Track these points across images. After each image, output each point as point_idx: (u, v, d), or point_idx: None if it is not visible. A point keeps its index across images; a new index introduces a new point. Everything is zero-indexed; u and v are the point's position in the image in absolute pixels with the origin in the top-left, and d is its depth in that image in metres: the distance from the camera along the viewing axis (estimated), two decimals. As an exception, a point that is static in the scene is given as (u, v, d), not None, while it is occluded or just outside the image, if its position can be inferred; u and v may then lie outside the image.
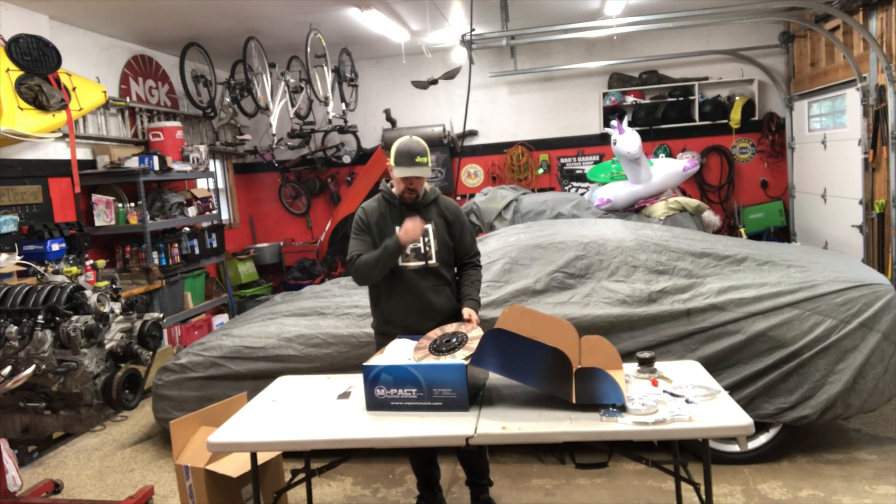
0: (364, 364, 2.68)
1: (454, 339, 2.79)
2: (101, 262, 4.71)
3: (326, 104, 7.06)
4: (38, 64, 4.66)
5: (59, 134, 5.21)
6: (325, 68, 7.00)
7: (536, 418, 2.47)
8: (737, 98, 7.85)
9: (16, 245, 4.78)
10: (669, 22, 6.55)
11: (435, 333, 2.92)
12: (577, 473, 3.65)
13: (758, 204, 7.99)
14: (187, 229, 6.52)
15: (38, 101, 4.63)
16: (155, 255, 5.89)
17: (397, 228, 2.99)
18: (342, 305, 4.34)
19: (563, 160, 8.39)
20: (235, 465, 3.21)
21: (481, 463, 3.29)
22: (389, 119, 7.86)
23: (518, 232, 4.46)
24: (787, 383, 3.51)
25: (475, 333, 2.81)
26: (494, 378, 2.86)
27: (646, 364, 2.81)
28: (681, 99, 7.91)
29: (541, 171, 8.37)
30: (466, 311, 3.07)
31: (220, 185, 8.29)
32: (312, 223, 8.96)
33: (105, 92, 5.50)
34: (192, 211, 6.47)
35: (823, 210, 6.77)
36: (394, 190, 3.14)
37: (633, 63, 7.99)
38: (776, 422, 3.56)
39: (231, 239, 8.19)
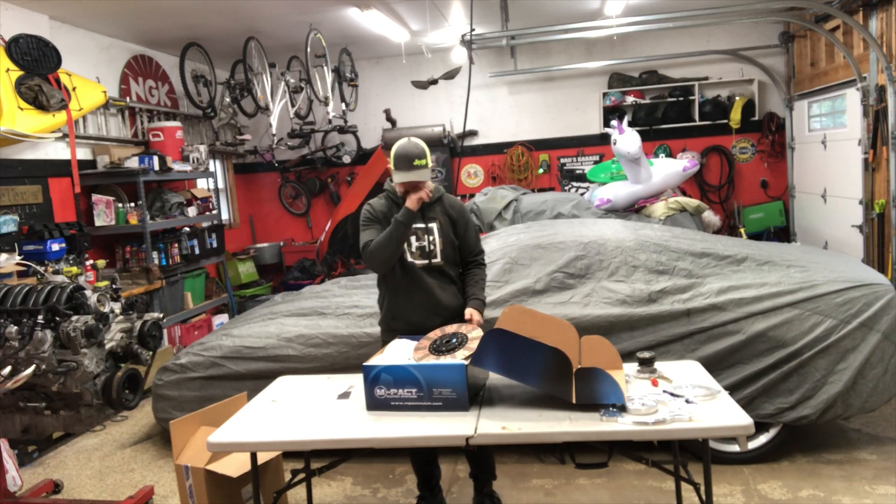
0: (364, 364, 2.68)
1: (454, 339, 2.79)
2: (101, 262, 4.71)
3: (326, 104, 7.07)
4: (38, 64, 4.66)
5: (59, 134, 5.21)
6: (325, 68, 7.01)
7: (536, 418, 2.47)
8: (737, 98, 7.85)
9: (16, 245, 4.78)
10: (669, 22, 6.55)
11: (435, 334, 2.92)
12: (577, 473, 3.65)
13: (758, 204, 7.99)
14: (187, 229, 6.52)
15: (38, 101, 4.63)
16: (155, 255, 5.89)
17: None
18: (342, 305, 4.34)
19: (563, 160, 8.39)
20: (235, 465, 3.21)
21: (487, 458, 3.29)
22: (389, 119, 7.86)
23: (518, 232, 4.46)
24: (787, 383, 3.51)
25: (475, 334, 2.81)
26: (494, 378, 2.86)
27: (646, 364, 2.81)
28: (681, 99, 7.91)
29: (541, 171, 8.37)
30: (468, 312, 3.08)
31: (220, 185, 8.29)
32: (312, 223, 8.96)
33: (105, 92, 5.50)
34: (192, 211, 6.47)
35: (823, 210, 6.77)
36: (398, 190, 3.13)
37: (633, 63, 7.99)
38: (776, 422, 3.56)
39: (231, 239, 8.19)
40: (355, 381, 2.94)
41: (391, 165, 3.05)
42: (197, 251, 6.54)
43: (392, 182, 3.15)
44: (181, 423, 3.33)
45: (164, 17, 5.85)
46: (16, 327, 2.86)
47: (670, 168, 6.30)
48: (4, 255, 4.42)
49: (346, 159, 8.28)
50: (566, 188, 8.31)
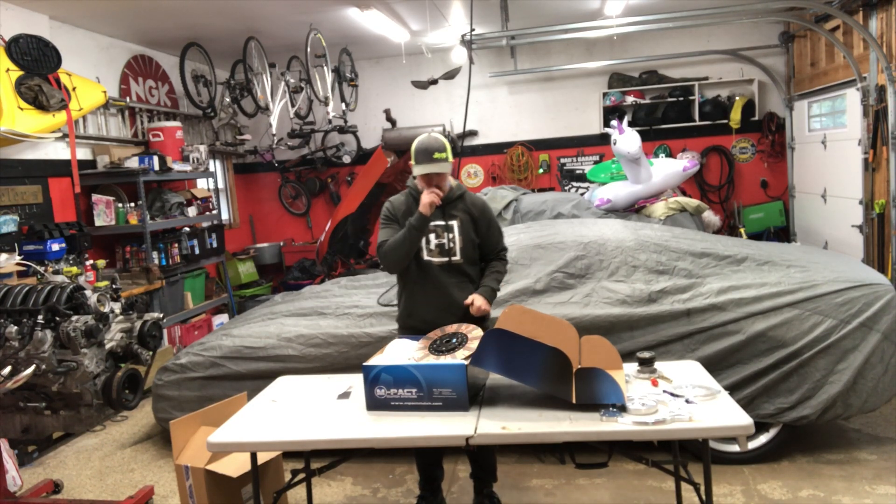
0: (364, 364, 2.68)
1: (454, 339, 2.80)
2: (101, 262, 4.70)
3: (326, 104, 7.06)
4: (38, 64, 4.66)
5: (59, 134, 5.20)
6: (325, 68, 7.00)
7: (536, 418, 2.47)
8: (737, 98, 7.85)
9: (16, 245, 4.78)
10: (669, 22, 6.55)
11: (435, 333, 2.92)
12: (577, 473, 3.65)
13: (758, 204, 7.99)
14: (187, 229, 6.52)
15: (38, 101, 4.63)
16: (155, 255, 5.89)
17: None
18: (342, 305, 4.34)
19: (563, 160, 8.39)
20: (235, 465, 3.21)
21: (489, 459, 3.29)
22: (389, 119, 7.85)
23: (518, 232, 4.46)
24: (787, 383, 3.51)
25: (475, 333, 2.82)
26: (494, 378, 2.86)
27: (646, 364, 2.81)
28: (681, 99, 7.91)
29: (541, 171, 8.37)
30: (471, 297, 3.02)
31: (220, 185, 8.29)
32: (312, 223, 8.96)
33: (105, 92, 5.50)
34: (192, 211, 6.47)
35: (823, 210, 6.77)
36: (420, 187, 3.12)
37: (633, 63, 7.99)
38: (776, 422, 3.56)
39: (231, 239, 8.19)
40: (355, 381, 2.94)
41: (412, 161, 3.04)
42: (197, 251, 6.54)
43: (413, 178, 3.14)
44: (181, 423, 3.33)
45: (164, 17, 5.85)
46: (16, 327, 2.86)
47: (670, 168, 6.29)
48: (4, 255, 4.42)
49: (346, 159, 8.28)
50: (566, 188, 8.31)
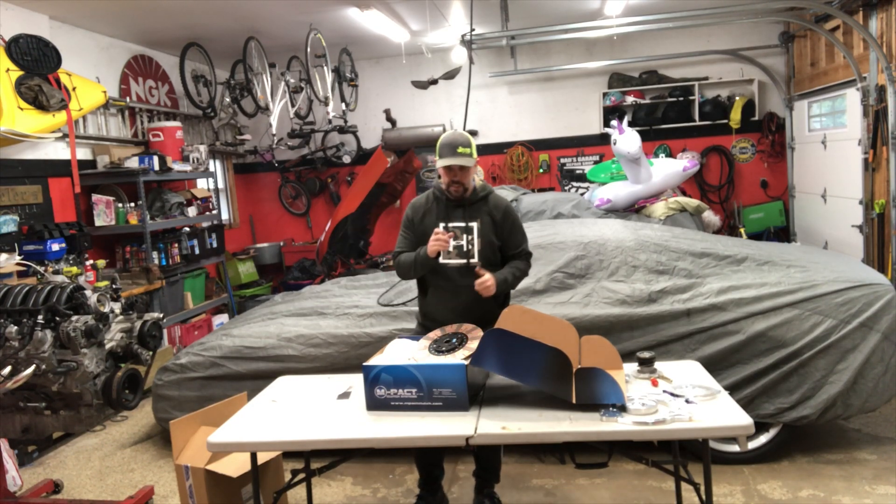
0: (364, 364, 2.68)
1: (454, 339, 2.80)
2: (101, 262, 4.70)
3: (326, 104, 7.06)
4: (38, 64, 4.66)
5: (59, 134, 5.21)
6: (325, 68, 7.00)
7: (536, 418, 2.47)
8: (737, 98, 7.85)
9: (16, 245, 4.78)
10: (669, 22, 6.55)
11: (435, 333, 2.92)
12: (577, 473, 3.65)
13: (758, 204, 7.99)
14: (187, 229, 6.52)
15: (38, 101, 4.63)
16: (155, 255, 5.89)
17: (441, 225, 2.99)
18: (342, 305, 4.35)
19: (563, 160, 8.39)
20: (235, 465, 3.21)
21: (493, 459, 3.28)
22: (389, 119, 7.85)
23: (518, 232, 4.46)
24: (787, 383, 3.51)
25: (475, 333, 2.82)
26: (494, 378, 2.86)
27: (646, 364, 2.81)
28: (681, 99, 7.91)
29: (541, 171, 8.37)
30: (483, 270, 2.96)
31: (220, 185, 8.29)
32: (312, 223, 8.96)
33: (105, 92, 5.50)
34: (192, 211, 6.47)
35: (823, 210, 6.77)
36: (443, 186, 3.11)
37: (633, 63, 7.99)
38: (776, 422, 3.56)
39: (231, 239, 8.19)
40: (355, 381, 2.94)
41: (436, 156, 3.04)
42: (197, 251, 6.54)
43: (438, 178, 3.13)
44: (181, 423, 3.33)
45: (164, 17, 5.85)
46: (16, 327, 2.86)
47: (670, 168, 6.30)
48: (4, 255, 4.42)
49: (346, 159, 8.28)
50: (566, 188, 8.31)
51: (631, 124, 6.68)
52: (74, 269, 3.77)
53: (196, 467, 3.17)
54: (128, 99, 6.35)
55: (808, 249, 4.84)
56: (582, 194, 7.21)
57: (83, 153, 5.80)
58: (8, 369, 2.86)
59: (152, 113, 6.76)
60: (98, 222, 5.68)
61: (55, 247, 4.81)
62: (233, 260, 7.94)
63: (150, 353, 3.20)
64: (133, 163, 5.82)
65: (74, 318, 2.94)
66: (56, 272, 3.74)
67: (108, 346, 3.05)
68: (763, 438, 3.64)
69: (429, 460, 3.24)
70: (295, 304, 4.67)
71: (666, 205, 5.90)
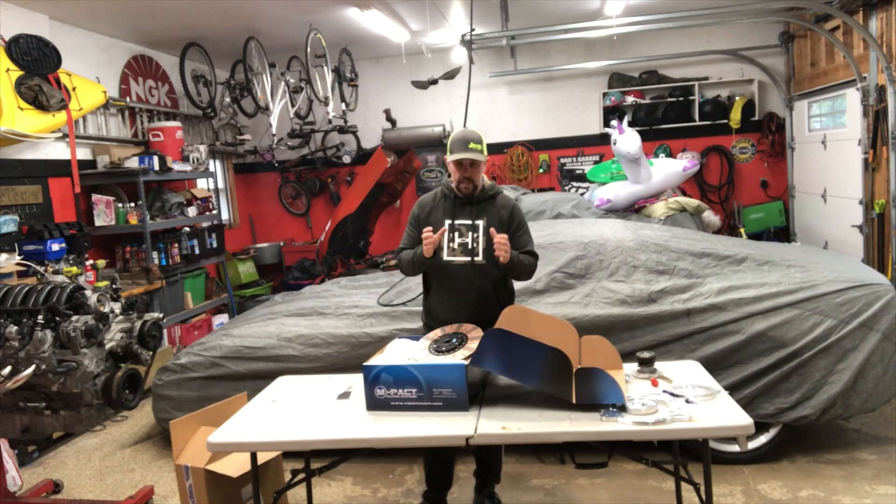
0: (364, 364, 2.68)
1: (454, 339, 2.80)
2: (101, 262, 4.71)
3: (326, 104, 7.06)
4: (38, 64, 4.66)
5: (59, 134, 5.21)
6: (325, 68, 7.00)
7: (536, 418, 2.47)
8: (737, 98, 7.85)
9: (16, 245, 4.78)
10: (669, 22, 6.55)
11: (435, 333, 2.92)
12: (577, 473, 3.65)
13: (758, 204, 7.99)
14: (187, 229, 6.52)
15: (38, 101, 4.63)
16: (155, 255, 5.89)
17: (447, 222, 3.00)
18: (342, 305, 4.35)
19: (563, 160, 8.39)
20: (235, 465, 3.21)
21: (495, 459, 3.28)
22: (389, 119, 7.86)
23: (518, 232, 4.46)
24: (787, 383, 3.51)
25: (475, 333, 2.81)
26: (494, 378, 2.86)
27: (646, 364, 2.81)
28: (681, 99, 7.91)
29: (541, 171, 8.37)
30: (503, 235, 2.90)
31: (220, 185, 8.29)
32: (312, 223, 8.96)
33: (105, 92, 5.50)
34: (192, 211, 6.47)
35: (823, 210, 6.77)
36: (453, 184, 3.11)
37: (633, 63, 7.99)
38: (776, 422, 3.56)
39: (231, 239, 8.19)
40: (355, 381, 2.94)
41: (447, 153, 3.05)
42: (197, 251, 6.54)
43: (447, 176, 3.14)
44: (181, 423, 3.33)
45: (164, 17, 5.85)
46: (16, 327, 2.86)
47: (670, 168, 6.30)
48: (4, 255, 4.42)
49: (346, 159, 8.28)
50: (566, 188, 8.31)
51: (631, 124, 6.68)
52: (74, 269, 3.77)
53: (196, 467, 3.17)
54: (128, 99, 6.35)
55: (808, 249, 4.84)
56: (582, 194, 7.21)
57: (83, 153, 5.80)
58: (8, 369, 2.86)
59: (152, 113, 6.76)
60: (98, 222, 5.68)
61: (55, 247, 4.81)
62: (233, 260, 7.94)
63: (150, 353, 3.20)
64: (133, 163, 5.82)
65: (74, 318, 2.94)
66: (56, 272, 3.74)
67: (108, 346, 3.05)
68: (763, 438, 3.64)
69: (440, 462, 3.19)
70: (295, 304, 4.67)
71: (666, 205, 5.90)
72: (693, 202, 5.98)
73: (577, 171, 8.30)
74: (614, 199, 6.20)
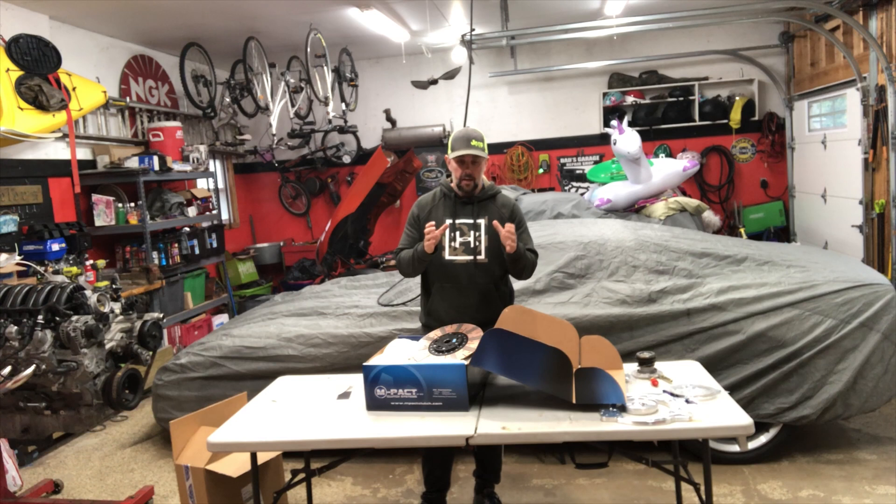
0: (364, 364, 2.68)
1: (454, 339, 2.79)
2: (101, 262, 4.71)
3: (326, 104, 7.06)
4: (38, 64, 4.66)
5: (59, 134, 5.21)
6: (325, 68, 7.00)
7: (536, 418, 2.47)
8: (737, 98, 7.85)
9: (16, 245, 4.78)
10: (669, 22, 6.55)
11: (435, 333, 2.92)
12: (577, 473, 3.65)
13: (758, 204, 7.99)
14: (187, 229, 6.52)
15: (38, 101, 4.63)
16: (155, 255, 5.89)
17: (448, 221, 3.01)
18: (342, 305, 4.35)
19: (563, 160, 8.39)
20: (235, 465, 3.22)
21: (495, 459, 3.28)
22: (389, 119, 7.86)
23: (518, 232, 4.46)
24: (787, 383, 3.51)
25: (475, 333, 2.81)
26: (494, 378, 2.86)
27: (646, 364, 2.81)
28: (681, 99, 7.91)
29: (541, 171, 8.37)
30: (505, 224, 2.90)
31: (220, 185, 8.29)
32: (312, 223, 8.96)
33: (105, 92, 5.50)
34: (192, 211, 6.47)
35: (823, 210, 6.77)
36: (452, 184, 3.11)
37: (633, 63, 7.99)
38: (776, 422, 3.56)
39: (231, 239, 8.19)
40: (355, 381, 2.94)
41: (448, 151, 3.06)
42: (197, 251, 6.54)
43: (447, 176, 3.14)
44: (181, 423, 3.33)
45: (164, 17, 5.85)
46: (16, 327, 2.86)
47: (670, 168, 6.30)
48: (4, 255, 4.42)
49: (346, 159, 8.28)
50: (566, 188, 8.31)
51: (631, 124, 6.68)
52: (74, 269, 3.77)
53: (196, 467, 3.17)
54: (128, 99, 6.35)
55: (808, 249, 4.84)
56: (582, 194, 7.21)
57: (83, 153, 5.80)
58: (8, 369, 2.86)
59: (152, 113, 6.76)
60: (98, 222, 5.68)
61: (55, 247, 4.81)
62: (233, 260, 7.94)
63: (150, 353, 3.20)
64: (133, 163, 5.81)
65: (74, 318, 2.94)
66: (56, 272, 3.74)
67: (108, 346, 3.05)
68: (763, 438, 3.64)
69: (438, 463, 3.20)
70: (295, 304, 4.67)
71: (666, 205, 5.90)
72: (693, 202, 5.98)
73: (577, 171, 8.30)
74: (614, 199, 6.20)
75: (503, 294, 3.15)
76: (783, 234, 7.82)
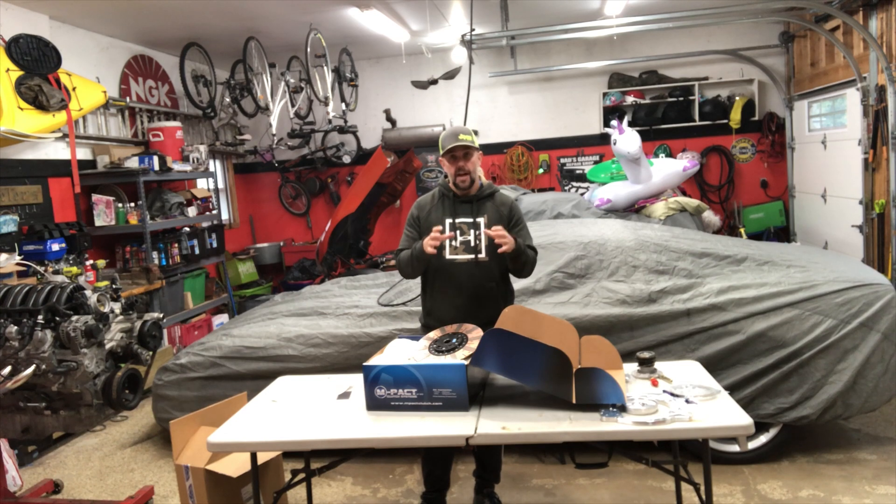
0: (364, 364, 2.68)
1: (454, 339, 2.79)
2: (101, 262, 4.71)
3: (326, 104, 7.07)
4: (38, 64, 4.66)
5: (59, 134, 5.21)
6: (325, 68, 7.01)
7: (536, 418, 2.47)
8: (737, 98, 7.85)
9: (16, 245, 4.78)
10: (669, 22, 6.55)
11: (435, 333, 2.92)
12: (577, 473, 3.65)
13: (758, 204, 7.99)
14: (187, 229, 6.52)
15: (38, 101, 4.63)
16: (155, 255, 5.89)
17: (448, 221, 3.01)
18: (342, 305, 4.35)
19: (563, 160, 8.39)
20: (235, 465, 3.21)
21: (495, 459, 3.28)
22: (389, 119, 7.86)
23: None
24: (787, 383, 3.51)
25: (475, 333, 2.81)
26: (494, 378, 2.86)
27: (646, 364, 2.81)
28: (681, 99, 7.91)
29: (541, 171, 8.37)
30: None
31: (220, 185, 8.29)
32: (312, 223, 8.96)
33: (105, 92, 5.50)
34: (192, 211, 6.47)
35: (823, 210, 6.77)
36: (450, 183, 3.12)
37: (633, 63, 7.99)
38: (776, 422, 3.56)
39: (231, 239, 8.19)
40: (355, 381, 2.94)
41: (439, 150, 3.07)
42: (197, 251, 6.54)
43: (444, 177, 3.15)
44: (181, 423, 3.33)
45: (164, 17, 5.85)
46: (16, 327, 2.86)
47: (670, 168, 6.30)
48: (4, 255, 4.42)
49: (346, 159, 8.28)
50: (566, 188, 8.31)
51: (631, 124, 6.68)
52: (74, 269, 3.77)
53: (196, 467, 3.17)
54: (128, 99, 6.35)
55: (808, 249, 4.84)
56: (582, 194, 7.21)
57: (83, 153, 5.80)
58: (8, 369, 2.86)
59: (152, 113, 6.76)
60: (98, 222, 5.68)
61: (55, 247, 4.81)
62: (233, 260, 7.94)
63: (150, 353, 3.20)
64: (133, 163, 5.81)
65: (74, 318, 2.94)
66: (56, 272, 3.74)
67: (108, 346, 3.05)
68: (763, 438, 3.64)
69: (438, 461, 3.19)
70: (295, 304, 4.67)
71: (666, 205, 5.90)
72: (693, 202, 5.98)
73: (577, 171, 8.30)
74: (614, 199, 6.20)
75: (503, 294, 3.15)
76: (783, 234, 7.82)
